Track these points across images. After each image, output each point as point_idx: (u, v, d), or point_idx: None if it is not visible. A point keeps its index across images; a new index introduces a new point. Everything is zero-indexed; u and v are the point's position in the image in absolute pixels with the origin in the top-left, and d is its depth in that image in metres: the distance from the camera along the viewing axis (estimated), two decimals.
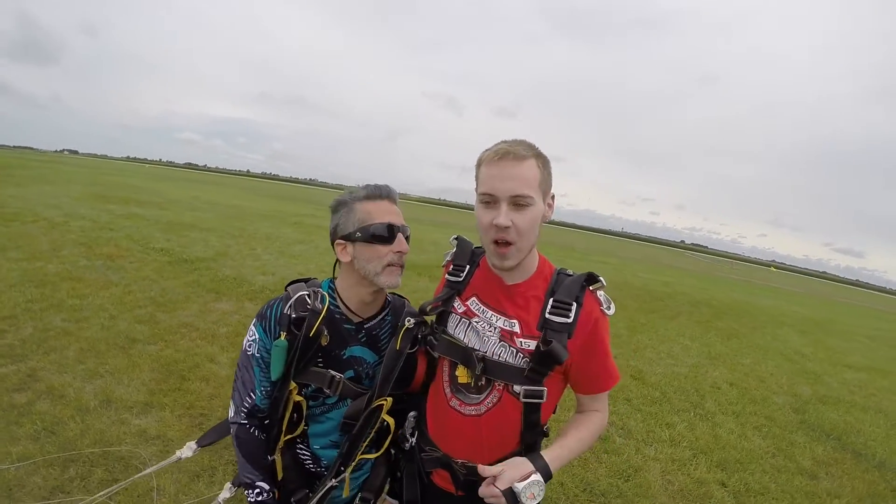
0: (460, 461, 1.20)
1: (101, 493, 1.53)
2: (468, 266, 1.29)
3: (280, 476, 1.25)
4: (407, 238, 1.20)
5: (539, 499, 1.03)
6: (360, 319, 1.25)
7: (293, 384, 1.18)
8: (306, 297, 1.17)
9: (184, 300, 5.46)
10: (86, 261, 6.50)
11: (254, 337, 1.20)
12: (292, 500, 1.23)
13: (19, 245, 6.80)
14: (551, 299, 1.13)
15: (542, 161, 1.11)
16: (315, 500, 1.21)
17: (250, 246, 9.78)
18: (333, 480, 1.23)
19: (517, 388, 1.12)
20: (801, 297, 25.02)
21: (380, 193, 1.19)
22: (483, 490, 1.07)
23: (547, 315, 1.12)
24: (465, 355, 1.17)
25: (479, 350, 1.16)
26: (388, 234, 1.15)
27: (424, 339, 1.28)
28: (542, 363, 1.09)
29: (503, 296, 1.19)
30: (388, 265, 1.16)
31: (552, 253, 17.57)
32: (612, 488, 3.03)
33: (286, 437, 1.23)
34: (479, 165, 1.14)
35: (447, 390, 1.23)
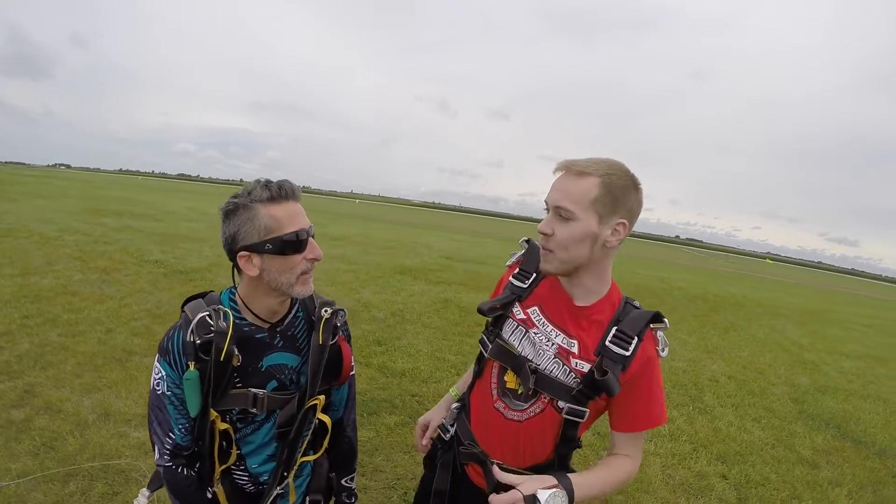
0: (495, 462, 1.21)
1: None
2: (535, 274, 1.26)
3: None
4: (313, 237, 1.10)
5: None
6: (271, 324, 1.16)
7: (214, 413, 1.09)
8: (207, 317, 1.06)
9: (179, 311, 5.42)
10: (81, 275, 6.46)
11: (160, 374, 1.11)
12: None
13: (13, 261, 6.76)
14: (614, 328, 1.12)
15: (611, 184, 1.06)
16: None
17: None
18: (278, 488, 1.21)
19: (562, 404, 1.12)
20: (797, 288, 25.14)
21: (284, 194, 1.04)
22: (497, 498, 1.03)
23: (607, 343, 1.11)
24: (517, 364, 1.18)
25: (532, 362, 1.16)
26: (300, 242, 1.05)
27: (485, 339, 1.27)
28: (592, 388, 1.09)
29: (569, 314, 1.18)
30: (302, 273, 1.08)
31: None
32: None
33: (221, 468, 1.18)
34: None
35: (494, 392, 1.24)
